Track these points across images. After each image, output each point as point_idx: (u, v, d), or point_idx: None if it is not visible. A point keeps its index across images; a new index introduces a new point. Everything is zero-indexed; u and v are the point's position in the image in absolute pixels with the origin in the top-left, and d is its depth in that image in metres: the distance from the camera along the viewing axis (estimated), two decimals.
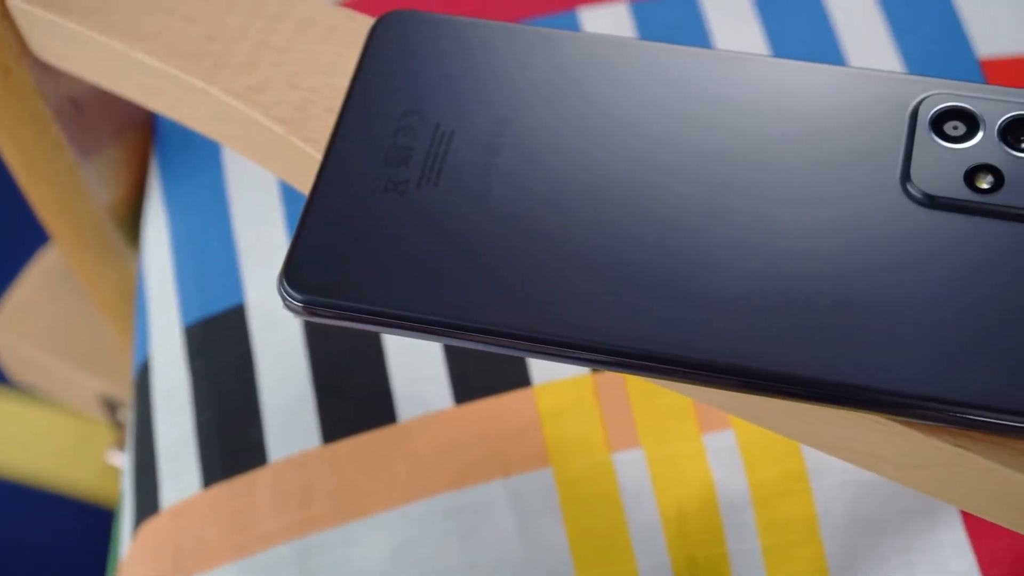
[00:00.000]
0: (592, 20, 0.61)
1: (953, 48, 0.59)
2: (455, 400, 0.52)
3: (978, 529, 0.48)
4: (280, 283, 0.38)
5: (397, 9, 0.42)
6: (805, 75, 0.40)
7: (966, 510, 0.37)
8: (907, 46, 0.59)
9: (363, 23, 0.44)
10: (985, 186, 0.37)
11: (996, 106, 0.38)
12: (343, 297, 0.37)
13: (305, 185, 0.42)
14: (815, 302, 0.35)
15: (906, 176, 0.37)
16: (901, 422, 0.35)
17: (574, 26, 0.61)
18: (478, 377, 0.53)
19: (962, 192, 0.37)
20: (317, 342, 0.54)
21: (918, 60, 0.59)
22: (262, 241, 0.57)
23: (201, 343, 0.56)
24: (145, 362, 0.58)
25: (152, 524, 0.54)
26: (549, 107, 0.40)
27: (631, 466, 0.51)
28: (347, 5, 0.62)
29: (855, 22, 0.60)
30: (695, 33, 0.60)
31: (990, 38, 0.59)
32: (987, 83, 0.58)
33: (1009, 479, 0.34)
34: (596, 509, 0.50)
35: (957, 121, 0.38)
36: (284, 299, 0.38)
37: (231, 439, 0.54)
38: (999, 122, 0.37)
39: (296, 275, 0.38)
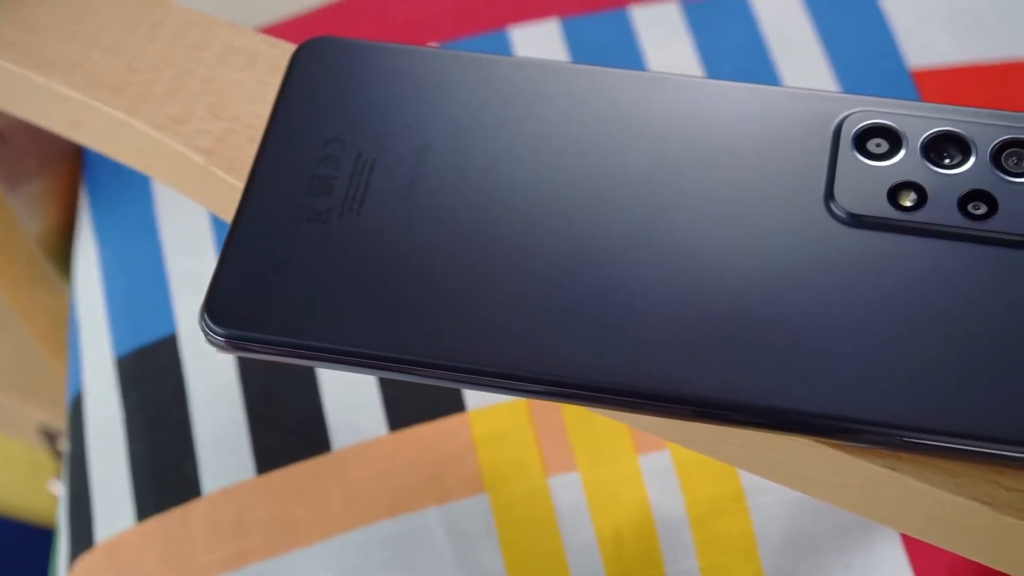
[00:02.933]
0: (523, 38, 0.61)
1: (884, 60, 0.59)
2: (389, 427, 0.52)
3: (916, 545, 0.48)
4: (201, 317, 0.37)
5: (318, 36, 0.42)
6: (729, 95, 0.39)
7: (897, 529, 0.37)
8: (838, 59, 0.59)
9: (285, 50, 0.44)
10: (908, 203, 0.37)
11: (918, 123, 0.37)
12: (266, 331, 0.37)
13: (230, 215, 0.42)
14: (740, 326, 0.35)
15: (830, 195, 0.37)
16: (829, 444, 0.35)
17: (505, 44, 0.60)
18: (412, 403, 0.52)
19: (885, 210, 0.36)
20: (250, 371, 0.54)
21: (850, 72, 0.59)
22: (193, 269, 0.56)
23: (133, 375, 0.55)
24: (78, 394, 0.57)
25: (87, 559, 0.53)
26: (472, 133, 0.39)
27: (567, 489, 0.50)
28: (270, 32, 0.62)
29: (786, 36, 0.60)
30: (626, 50, 0.60)
31: (921, 49, 0.59)
32: (919, 94, 0.58)
33: (937, 498, 0.34)
34: (533, 534, 0.50)
35: (880, 138, 0.38)
36: (206, 334, 0.37)
37: (165, 472, 0.53)
38: (921, 139, 0.37)
39: (218, 309, 0.37)
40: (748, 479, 0.50)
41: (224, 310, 0.37)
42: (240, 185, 0.41)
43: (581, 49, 0.60)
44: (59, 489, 0.90)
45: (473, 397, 0.52)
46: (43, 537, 1.01)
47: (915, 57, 0.59)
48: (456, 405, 0.52)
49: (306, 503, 0.51)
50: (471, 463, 0.51)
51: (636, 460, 0.51)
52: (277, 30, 0.62)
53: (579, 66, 0.40)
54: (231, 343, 0.37)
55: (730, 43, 0.60)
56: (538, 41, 0.60)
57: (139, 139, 0.44)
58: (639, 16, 0.61)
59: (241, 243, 0.38)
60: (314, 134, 0.40)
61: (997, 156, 0.37)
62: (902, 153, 0.37)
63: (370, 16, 0.62)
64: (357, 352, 0.36)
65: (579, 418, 0.51)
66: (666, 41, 0.60)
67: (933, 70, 0.59)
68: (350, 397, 0.53)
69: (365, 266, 0.37)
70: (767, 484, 0.49)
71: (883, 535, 0.49)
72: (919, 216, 0.36)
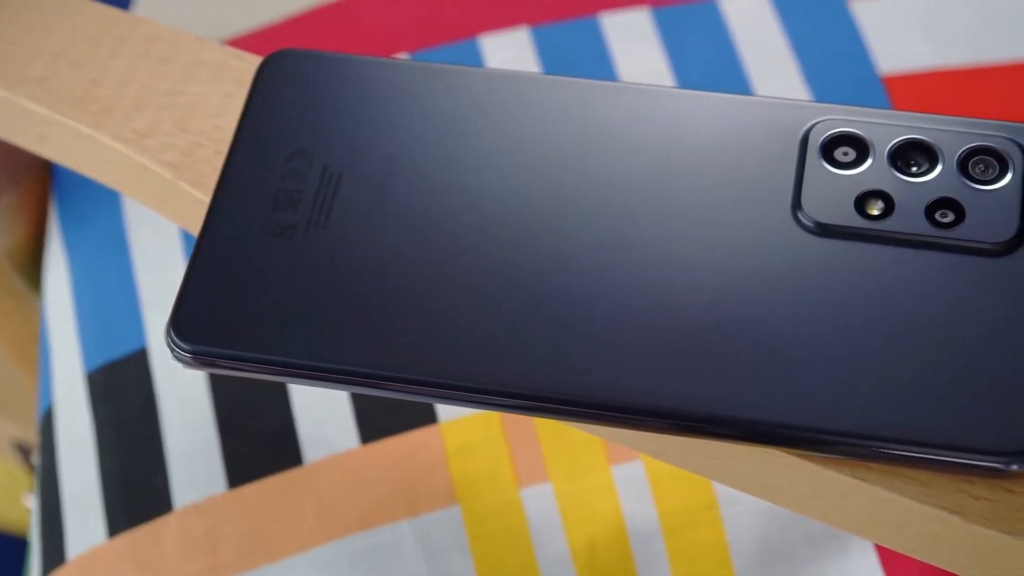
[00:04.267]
0: (493, 47, 0.60)
1: (855, 66, 0.59)
2: (361, 440, 0.52)
3: (889, 554, 0.48)
4: (167, 334, 0.37)
5: (284, 48, 0.42)
6: (696, 105, 0.39)
7: (867, 539, 0.36)
8: (809, 65, 0.59)
9: (252, 62, 0.44)
10: (876, 212, 0.36)
11: (886, 130, 0.37)
12: (232, 347, 0.37)
13: (198, 230, 0.41)
14: (708, 337, 0.35)
15: (797, 204, 0.37)
16: (798, 455, 0.35)
17: (475, 53, 0.60)
18: (384, 416, 0.52)
19: (853, 219, 0.36)
20: (220, 385, 0.53)
21: (820, 79, 0.59)
22: (163, 283, 0.56)
23: (104, 389, 0.55)
24: (49, 409, 0.57)
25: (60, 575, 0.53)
26: (439, 144, 0.39)
27: (540, 501, 0.50)
28: (241, 43, 0.61)
29: (757, 43, 0.60)
30: (597, 57, 0.60)
31: (892, 55, 0.59)
32: (890, 100, 0.58)
33: (906, 508, 0.34)
34: (505, 546, 0.50)
35: (847, 147, 0.38)
36: (172, 350, 0.37)
37: (136, 487, 0.53)
38: (888, 147, 0.37)
39: (183, 325, 0.37)
40: (721, 489, 0.50)
41: (190, 326, 0.37)
42: (207, 200, 0.41)
43: (551, 57, 0.60)
44: (32, 503, 0.90)
45: (445, 409, 0.52)
46: (21, 548, 1.01)
47: (886, 63, 0.59)
48: (428, 417, 0.52)
49: (278, 517, 0.51)
50: (443, 475, 0.51)
51: (609, 471, 0.51)
52: (247, 41, 0.61)
53: (545, 77, 0.40)
54: (198, 359, 0.37)
55: (701, 50, 0.60)
56: (508, 49, 0.60)
57: (105, 153, 0.44)
58: (609, 23, 0.61)
59: (207, 258, 0.38)
60: (280, 147, 0.40)
61: (964, 163, 0.37)
62: (869, 161, 0.37)
63: (340, 26, 0.62)
64: (324, 368, 0.36)
65: (552, 429, 0.51)
66: (637, 48, 0.60)
67: (904, 75, 0.59)
68: (321, 410, 0.52)
69: (331, 281, 0.37)
70: (740, 494, 0.49)
71: (857, 544, 0.48)
72: (887, 225, 0.36)
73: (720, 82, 0.60)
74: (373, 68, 0.41)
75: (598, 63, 0.60)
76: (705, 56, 0.60)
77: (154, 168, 0.42)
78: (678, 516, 0.49)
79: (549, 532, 0.50)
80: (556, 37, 0.61)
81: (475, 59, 0.60)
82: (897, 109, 0.56)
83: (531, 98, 0.40)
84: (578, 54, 0.60)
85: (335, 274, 0.37)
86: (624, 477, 0.50)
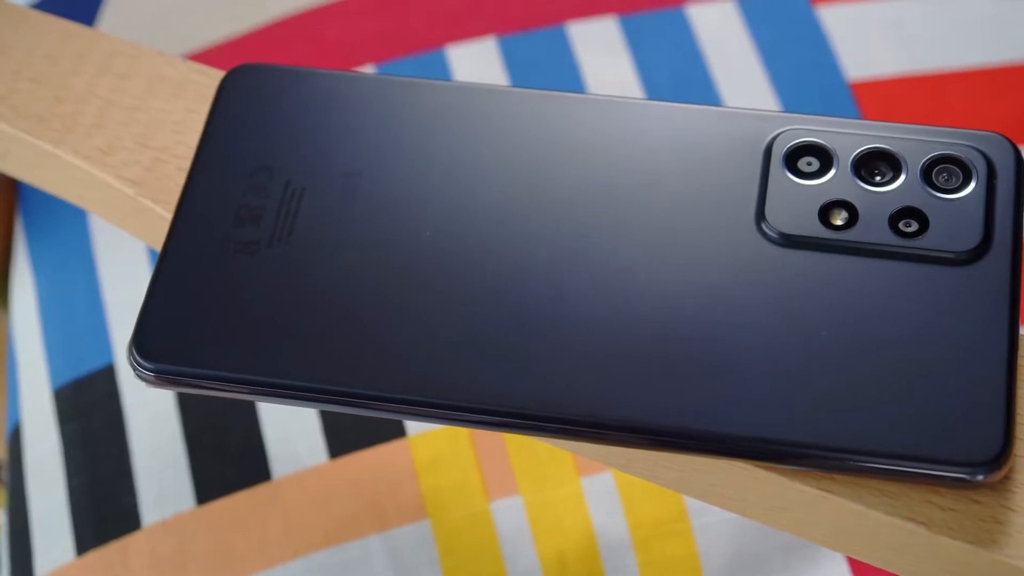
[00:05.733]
0: (460, 57, 0.60)
1: (822, 73, 0.59)
2: (329, 454, 0.52)
3: (860, 563, 0.48)
4: (130, 352, 0.37)
5: (246, 63, 0.42)
6: (660, 116, 0.39)
7: (836, 550, 0.36)
8: (776, 72, 0.59)
9: (214, 77, 0.43)
10: (839, 222, 0.36)
11: (849, 140, 0.37)
12: (195, 365, 0.36)
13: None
14: (671, 349, 0.35)
15: (761, 215, 0.37)
16: (764, 467, 0.35)
17: (442, 64, 0.60)
18: (352, 430, 0.52)
19: (817, 229, 0.36)
20: (188, 401, 0.53)
21: (788, 86, 0.59)
22: (131, 298, 0.56)
23: (71, 407, 0.55)
24: (17, 426, 0.56)
25: None
26: (402, 159, 0.39)
27: (510, 514, 0.50)
28: (207, 56, 0.61)
29: (724, 49, 0.60)
30: (564, 66, 0.60)
31: (860, 61, 0.59)
32: (857, 106, 0.58)
33: (873, 519, 0.34)
34: (475, 559, 0.49)
35: (811, 157, 0.37)
36: (135, 369, 0.36)
37: (104, 504, 0.52)
38: (852, 156, 0.37)
39: (146, 343, 0.37)
40: (692, 500, 0.50)
41: (152, 344, 0.37)
42: (170, 216, 0.40)
43: (519, 67, 0.60)
44: (1, 519, 0.89)
45: (414, 423, 0.52)
46: None
47: (853, 69, 0.59)
48: (397, 431, 0.52)
49: (245, 533, 0.50)
50: (412, 489, 0.50)
51: (579, 482, 0.50)
52: (212, 54, 0.61)
53: (509, 89, 0.40)
54: (160, 378, 0.36)
55: (668, 58, 0.60)
56: (475, 60, 0.60)
57: (67, 171, 0.43)
58: (576, 32, 0.61)
59: (168, 276, 0.38)
60: (242, 163, 0.39)
61: (928, 173, 0.37)
62: (833, 171, 0.37)
63: (305, 38, 0.62)
64: (287, 385, 0.36)
65: (521, 442, 0.51)
66: (604, 56, 0.60)
67: (871, 82, 0.59)
68: (290, 425, 0.52)
69: (295, 297, 0.37)
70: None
71: (828, 553, 0.48)
72: (851, 235, 0.36)
73: (688, 89, 0.60)
74: (335, 82, 0.41)
75: (565, 72, 0.60)
76: (672, 64, 0.60)
77: (117, 185, 0.42)
78: (648, 528, 0.49)
79: (519, 545, 0.50)
80: (523, 46, 0.60)
81: (442, 69, 0.60)
82: (865, 115, 0.57)
83: (494, 111, 0.40)
84: (545, 63, 0.60)
85: (298, 290, 0.37)
86: (594, 489, 0.50)
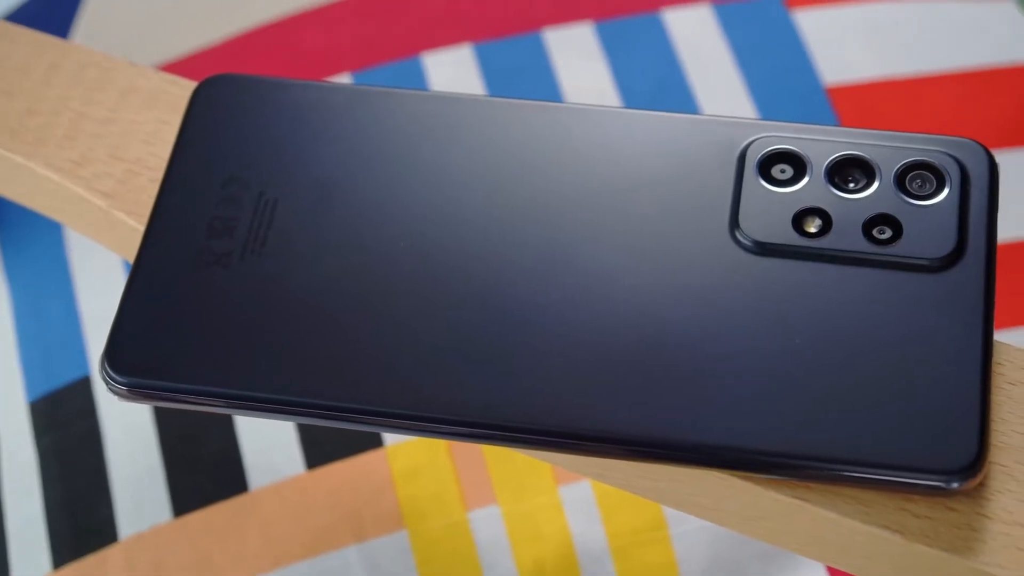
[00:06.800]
0: (436, 64, 0.60)
1: (799, 78, 0.59)
2: (307, 465, 0.51)
3: (839, 572, 0.48)
4: (102, 366, 0.36)
5: (218, 73, 0.41)
6: (633, 124, 0.39)
7: (812, 558, 0.36)
8: (753, 77, 0.59)
9: (187, 88, 0.43)
10: (813, 230, 0.36)
11: (822, 147, 0.37)
12: (168, 378, 0.36)
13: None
14: (644, 359, 0.35)
15: (735, 223, 0.36)
16: (740, 476, 0.34)
17: (418, 71, 0.60)
18: (329, 440, 0.52)
19: (790, 237, 0.36)
20: (165, 412, 0.53)
21: (764, 91, 0.59)
22: (106, 310, 0.55)
23: (47, 419, 0.54)
24: None
25: None
26: (376, 169, 0.39)
27: (488, 523, 0.50)
28: (181, 65, 0.61)
29: (700, 55, 0.60)
30: (540, 73, 0.60)
31: (837, 66, 0.59)
32: (834, 111, 0.58)
33: (848, 528, 0.34)
34: (454, 569, 0.49)
35: (784, 164, 0.37)
36: (107, 383, 0.36)
37: (81, 517, 0.52)
38: (825, 164, 0.37)
39: (118, 357, 0.36)
40: (670, 508, 0.49)
41: (124, 358, 0.36)
42: (143, 228, 0.40)
43: (495, 74, 0.60)
44: None
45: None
46: None
47: (830, 74, 0.59)
48: (374, 441, 0.52)
49: (223, 545, 0.50)
50: (390, 499, 0.50)
51: (557, 491, 0.50)
52: (186, 63, 0.61)
53: (483, 98, 0.40)
54: (133, 392, 0.36)
55: (644, 64, 0.60)
56: (451, 67, 0.60)
57: (40, 183, 0.43)
58: (552, 38, 0.61)
59: (141, 288, 0.37)
60: (215, 174, 0.39)
61: (901, 179, 0.37)
62: (807, 179, 0.37)
63: (280, 47, 0.61)
64: (261, 398, 0.36)
65: (499, 451, 0.51)
66: (580, 62, 0.60)
67: (848, 86, 0.59)
68: (267, 435, 0.52)
69: (268, 309, 0.37)
70: None
71: (807, 561, 0.48)
72: (824, 242, 0.36)
73: (664, 95, 0.60)
74: (308, 92, 0.41)
75: (542, 79, 0.60)
76: (649, 70, 0.60)
77: (89, 197, 0.42)
78: (627, 536, 0.49)
79: (497, 554, 0.49)
80: (499, 53, 0.60)
81: (418, 77, 0.60)
82: (842, 120, 0.57)
83: (469, 120, 0.39)
84: (522, 70, 0.60)
85: (272, 302, 0.37)
86: (572, 498, 0.50)
